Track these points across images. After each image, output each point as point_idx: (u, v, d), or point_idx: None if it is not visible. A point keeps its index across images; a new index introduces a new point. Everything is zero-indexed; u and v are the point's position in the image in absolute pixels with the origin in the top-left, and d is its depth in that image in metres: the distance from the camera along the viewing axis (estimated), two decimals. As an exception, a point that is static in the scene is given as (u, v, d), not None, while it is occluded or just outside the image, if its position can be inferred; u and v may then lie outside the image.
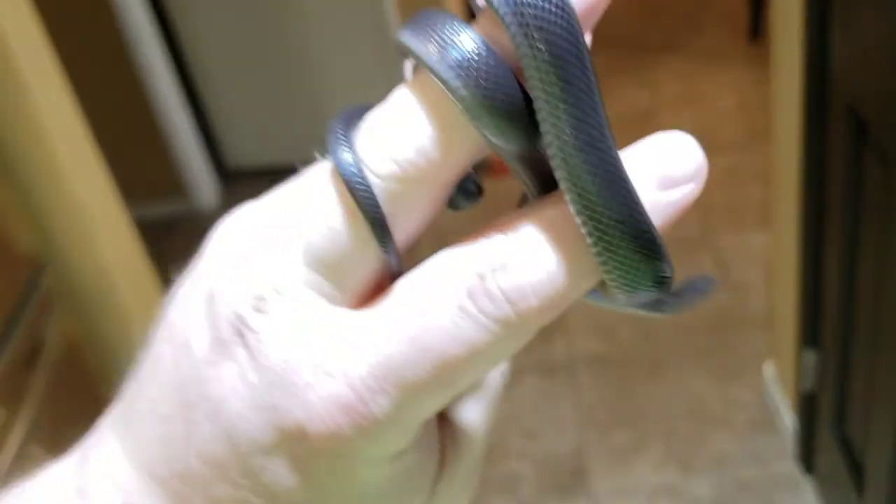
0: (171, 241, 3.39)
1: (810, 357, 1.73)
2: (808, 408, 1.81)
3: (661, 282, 0.27)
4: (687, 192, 0.26)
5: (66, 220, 1.64)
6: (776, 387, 2.02)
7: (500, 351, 0.25)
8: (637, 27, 4.26)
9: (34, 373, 1.48)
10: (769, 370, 2.06)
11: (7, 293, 1.48)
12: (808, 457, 1.87)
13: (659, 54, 3.92)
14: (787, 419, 1.94)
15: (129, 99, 3.30)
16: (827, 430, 1.70)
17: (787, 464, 1.93)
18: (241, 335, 0.25)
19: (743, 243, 2.60)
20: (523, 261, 0.24)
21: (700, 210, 2.77)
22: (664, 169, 0.26)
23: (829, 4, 1.38)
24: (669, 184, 0.26)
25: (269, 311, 0.25)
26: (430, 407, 0.25)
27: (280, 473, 0.25)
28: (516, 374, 2.29)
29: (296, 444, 0.25)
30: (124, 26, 3.19)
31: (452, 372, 0.24)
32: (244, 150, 3.70)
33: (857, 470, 1.55)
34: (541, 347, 2.37)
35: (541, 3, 0.23)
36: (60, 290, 1.64)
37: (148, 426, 0.27)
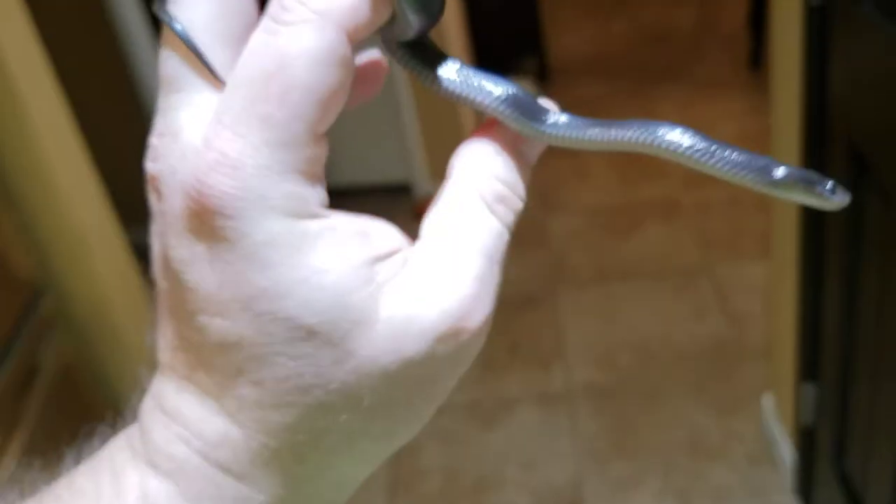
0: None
1: (809, 391, 1.72)
2: (807, 442, 1.79)
3: None
4: None
5: (64, 246, 1.63)
6: (775, 420, 2.00)
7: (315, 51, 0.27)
8: (637, 55, 4.28)
9: (30, 397, 1.48)
10: (768, 403, 2.05)
11: (5, 317, 1.48)
12: (807, 491, 1.86)
13: (659, 82, 3.94)
14: (787, 453, 1.92)
15: (131, 123, 3.30)
16: (826, 464, 1.69)
17: (786, 498, 1.92)
18: None
19: (743, 273, 2.60)
20: None
21: (700, 239, 2.77)
22: None
23: (829, 38, 1.38)
24: None
25: None
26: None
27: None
28: (513, 405, 2.28)
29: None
30: (125, 49, 3.19)
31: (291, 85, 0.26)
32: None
33: (856, 503, 1.54)
34: (539, 377, 2.36)
35: None
36: (58, 315, 1.63)
37: None
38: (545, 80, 4.10)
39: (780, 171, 0.33)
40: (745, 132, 3.38)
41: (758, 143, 3.07)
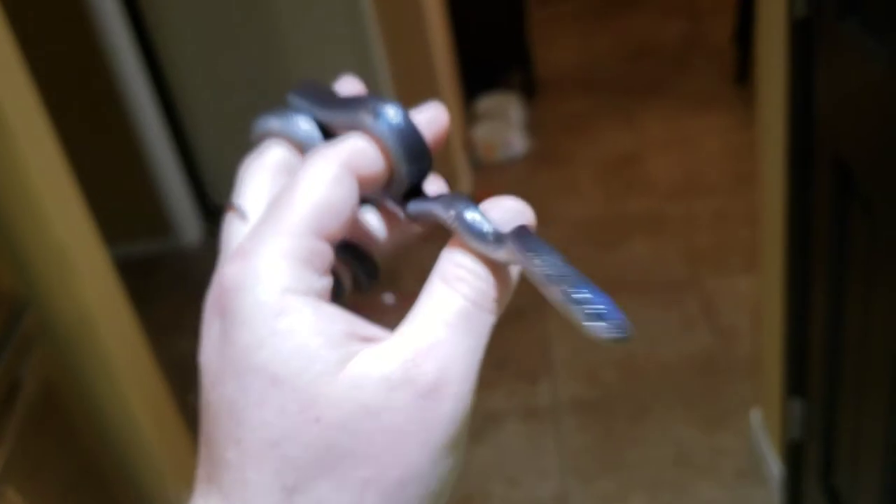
0: (156, 279, 3.37)
1: (797, 406, 1.72)
2: (795, 457, 1.79)
3: None
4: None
5: (46, 261, 1.62)
6: (763, 434, 2.00)
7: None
8: (623, 70, 4.30)
9: (10, 413, 1.46)
10: (756, 417, 2.05)
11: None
12: (795, 506, 1.85)
13: (645, 97, 3.95)
14: (775, 468, 1.92)
15: (114, 138, 3.30)
16: (814, 480, 1.68)
17: (774, 513, 1.91)
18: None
19: (730, 286, 2.59)
20: None
21: (687, 253, 2.77)
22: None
23: (813, 52, 1.38)
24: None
25: None
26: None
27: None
28: (499, 419, 2.26)
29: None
30: (110, 65, 3.18)
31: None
32: (229, 187, 3.69)
33: (844, 521, 1.53)
34: (526, 392, 2.35)
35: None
36: (40, 331, 1.62)
37: None
38: (531, 94, 4.11)
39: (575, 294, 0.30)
40: (731, 147, 3.39)
41: (743, 157, 3.08)
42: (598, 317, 0.28)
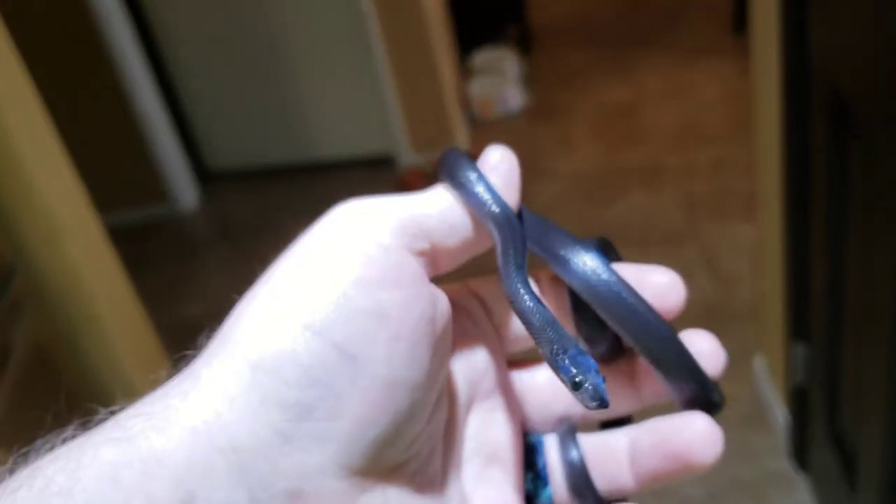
0: (154, 245, 3.35)
1: (800, 350, 1.70)
2: (799, 402, 1.77)
3: None
4: None
5: (35, 226, 1.60)
6: (766, 380, 1.98)
7: None
8: (619, 22, 4.24)
9: (1, 378, 1.45)
10: (759, 364, 2.03)
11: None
12: (800, 453, 1.84)
13: (642, 49, 3.90)
14: (779, 414, 1.90)
15: (109, 104, 3.26)
16: (819, 424, 1.66)
17: (780, 460, 1.90)
18: None
19: (730, 235, 2.57)
20: None
21: (685, 202, 2.74)
22: None
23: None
24: None
25: None
26: None
27: None
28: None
29: None
30: (102, 32, 3.14)
31: None
32: (224, 152, 3.66)
33: (849, 465, 1.52)
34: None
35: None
36: (30, 296, 1.60)
37: None
38: (527, 47, 4.06)
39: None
40: (728, 95, 3.35)
41: (741, 105, 3.03)
42: (576, 385, 0.30)
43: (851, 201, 1.35)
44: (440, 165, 0.36)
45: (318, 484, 0.27)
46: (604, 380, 0.30)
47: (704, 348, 0.36)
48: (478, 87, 3.71)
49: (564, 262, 0.35)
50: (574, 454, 0.35)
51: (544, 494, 0.37)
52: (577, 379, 0.29)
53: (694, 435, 0.35)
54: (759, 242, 1.93)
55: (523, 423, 0.38)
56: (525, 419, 0.38)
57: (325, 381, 0.27)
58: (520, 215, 0.35)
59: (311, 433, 0.27)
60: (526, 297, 0.32)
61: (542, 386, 0.38)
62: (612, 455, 0.37)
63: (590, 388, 0.29)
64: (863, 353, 1.38)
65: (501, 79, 3.74)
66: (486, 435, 0.36)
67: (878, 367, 1.29)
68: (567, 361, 0.30)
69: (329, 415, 0.27)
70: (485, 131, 3.58)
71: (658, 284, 0.36)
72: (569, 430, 0.36)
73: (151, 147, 3.37)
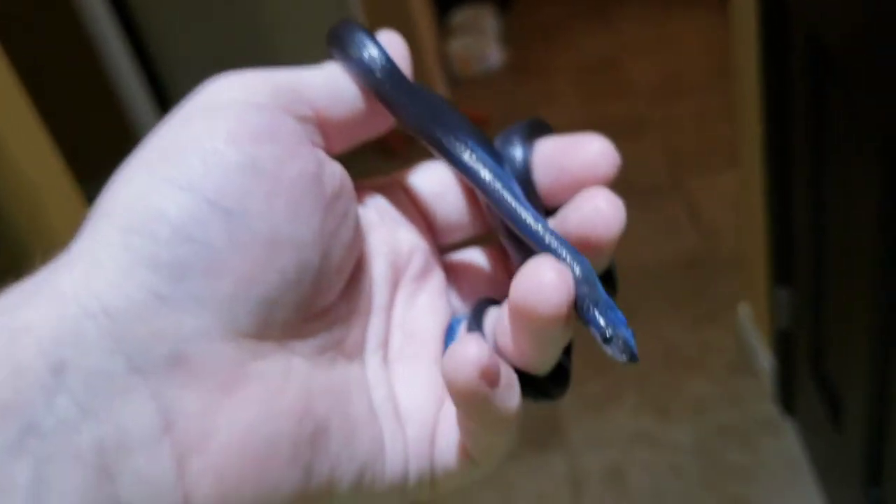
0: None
1: (784, 295, 1.70)
2: (784, 346, 1.78)
3: None
4: None
5: (14, 201, 1.59)
6: (752, 327, 1.99)
7: None
8: (598, -27, 4.20)
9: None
10: (744, 311, 2.04)
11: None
12: (787, 398, 1.85)
13: (623, 1, 3.87)
14: (765, 360, 1.91)
15: (90, 80, 3.23)
16: (805, 368, 1.67)
17: (767, 405, 1.91)
18: None
19: (713, 185, 2.57)
20: None
21: (669, 154, 2.74)
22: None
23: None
24: None
25: None
26: None
27: None
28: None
29: None
30: (81, 10, 3.10)
31: None
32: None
33: (835, 406, 1.53)
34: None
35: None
36: (11, 269, 1.59)
37: None
38: (505, 4, 4.02)
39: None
40: (710, 45, 3.33)
41: (722, 54, 3.01)
42: (607, 340, 0.29)
43: (831, 145, 1.34)
44: (329, 36, 0.34)
45: (201, 348, 0.26)
46: (633, 334, 0.29)
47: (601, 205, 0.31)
48: (457, 46, 3.69)
49: (449, 150, 0.33)
50: (475, 329, 0.34)
51: None
52: (608, 334, 0.29)
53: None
54: (741, 191, 1.93)
55: (457, 308, 0.37)
56: (458, 303, 0.37)
57: (199, 237, 0.26)
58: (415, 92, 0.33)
59: (189, 293, 0.26)
60: (538, 223, 0.31)
61: (475, 269, 0.37)
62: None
63: (620, 342, 0.29)
64: (846, 295, 1.39)
65: (481, 36, 3.71)
66: (408, 315, 0.35)
67: (861, 308, 1.30)
68: (597, 313, 0.29)
69: (207, 273, 0.26)
70: (466, 89, 3.56)
71: (588, 153, 0.33)
72: (479, 308, 0.35)
73: (131, 120, 3.35)
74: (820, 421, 1.63)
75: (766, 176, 1.63)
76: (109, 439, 0.24)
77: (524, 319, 0.29)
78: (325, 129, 0.32)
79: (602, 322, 0.29)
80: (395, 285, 0.35)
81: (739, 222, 2.09)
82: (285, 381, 0.28)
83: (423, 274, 0.36)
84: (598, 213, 0.31)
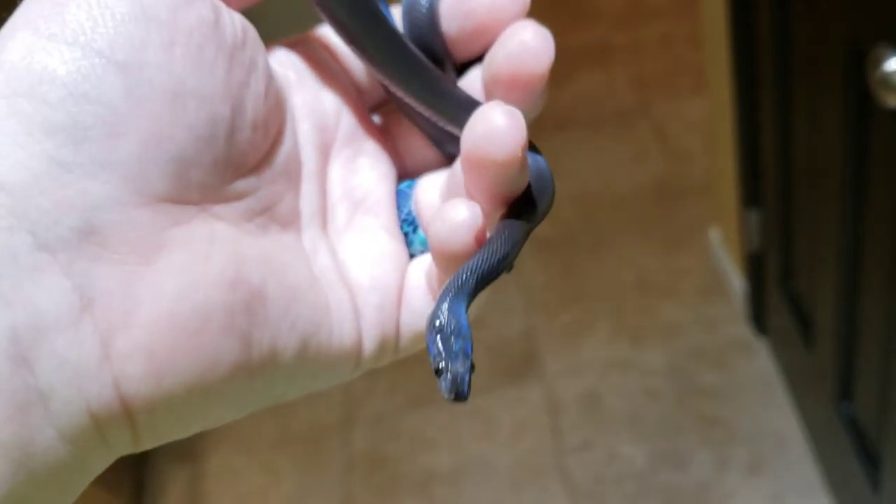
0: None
1: (753, 217, 1.71)
2: (755, 268, 1.79)
3: None
4: None
5: None
6: (722, 251, 2.00)
7: None
8: None
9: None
10: (714, 235, 2.05)
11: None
12: (759, 318, 1.87)
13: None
14: (736, 282, 1.93)
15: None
16: (776, 289, 1.69)
17: (739, 327, 1.93)
18: None
19: (680, 110, 2.56)
20: None
21: (636, 81, 2.72)
22: None
23: None
24: None
25: None
26: None
27: None
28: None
29: None
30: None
31: None
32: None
33: (806, 325, 1.55)
34: (485, 235, 2.33)
35: None
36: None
37: None
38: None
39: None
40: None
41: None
42: (437, 372, 0.26)
43: (796, 66, 1.34)
44: None
45: (113, 216, 0.24)
46: (471, 369, 0.26)
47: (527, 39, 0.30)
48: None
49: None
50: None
51: (416, 239, 0.34)
52: (439, 366, 0.26)
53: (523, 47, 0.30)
54: (709, 115, 1.93)
55: (400, 170, 0.35)
56: (401, 166, 0.36)
57: (94, 95, 0.24)
58: None
59: (92, 157, 0.23)
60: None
61: (415, 131, 0.35)
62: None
63: (449, 378, 0.26)
64: (814, 215, 1.40)
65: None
66: (351, 182, 0.33)
67: (829, 228, 1.31)
68: (436, 337, 0.27)
69: (109, 134, 0.24)
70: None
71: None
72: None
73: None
74: (792, 340, 1.65)
75: (734, 100, 1.63)
76: (21, 324, 0.22)
77: (480, 168, 0.28)
78: None
79: (435, 350, 0.27)
80: (325, 150, 0.33)
81: (708, 147, 2.10)
82: (211, 245, 0.26)
83: (354, 137, 0.34)
84: (525, 47, 0.30)
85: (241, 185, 0.28)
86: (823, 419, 1.54)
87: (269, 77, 0.29)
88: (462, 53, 0.33)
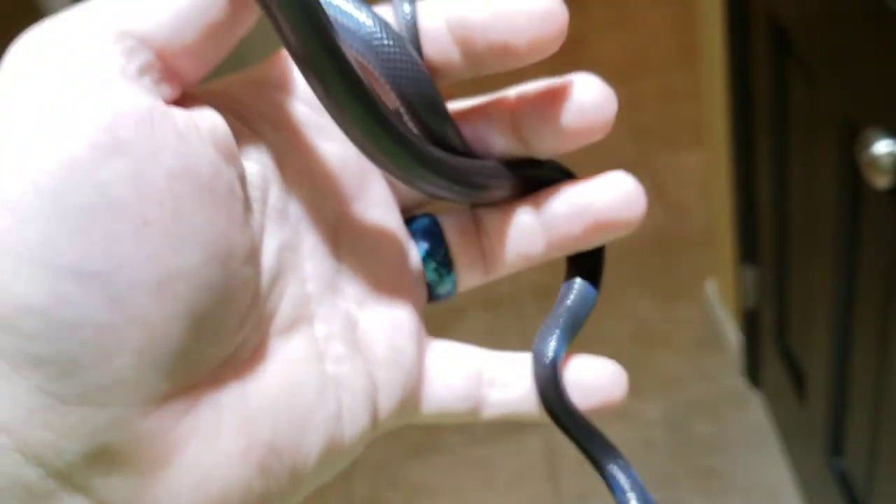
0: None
1: (750, 273, 1.74)
2: (751, 323, 1.82)
3: None
4: None
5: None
6: (719, 304, 2.03)
7: None
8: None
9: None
10: (711, 288, 2.08)
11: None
12: (754, 371, 1.90)
13: (587, -22, 3.88)
14: (732, 335, 1.96)
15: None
16: (770, 343, 1.72)
17: (735, 379, 1.96)
18: None
19: (679, 162, 2.60)
20: None
21: (635, 131, 2.77)
22: None
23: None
24: None
25: None
26: None
27: None
28: (461, 312, 2.28)
29: None
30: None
31: None
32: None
33: (799, 380, 1.57)
34: (486, 284, 2.36)
35: None
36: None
37: None
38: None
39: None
40: (675, 21, 3.36)
41: (687, 31, 3.05)
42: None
43: (793, 125, 1.38)
44: None
45: (118, 435, 0.22)
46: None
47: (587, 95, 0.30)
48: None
49: None
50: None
51: (449, 280, 0.33)
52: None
53: (617, 195, 0.32)
54: (706, 170, 1.97)
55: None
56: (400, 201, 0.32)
57: (74, 320, 0.21)
58: None
59: (86, 385, 0.21)
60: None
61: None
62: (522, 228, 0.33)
63: None
64: (808, 272, 1.43)
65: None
66: (355, 233, 0.30)
67: (823, 284, 1.34)
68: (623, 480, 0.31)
69: (100, 357, 0.21)
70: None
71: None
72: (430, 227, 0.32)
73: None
74: (785, 394, 1.67)
75: (731, 157, 1.67)
76: None
77: (607, 229, 0.31)
78: (174, 63, 0.23)
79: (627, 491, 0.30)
80: (319, 218, 0.29)
81: (705, 200, 2.13)
82: (219, 417, 0.24)
83: (354, 196, 0.30)
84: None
85: (242, 333, 0.25)
86: (815, 472, 1.56)
87: (245, 187, 0.26)
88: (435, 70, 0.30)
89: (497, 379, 0.33)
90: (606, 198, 0.32)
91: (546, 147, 0.31)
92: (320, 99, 0.25)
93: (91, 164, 0.20)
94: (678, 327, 2.12)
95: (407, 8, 0.28)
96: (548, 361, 0.32)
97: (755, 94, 1.52)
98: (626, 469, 0.31)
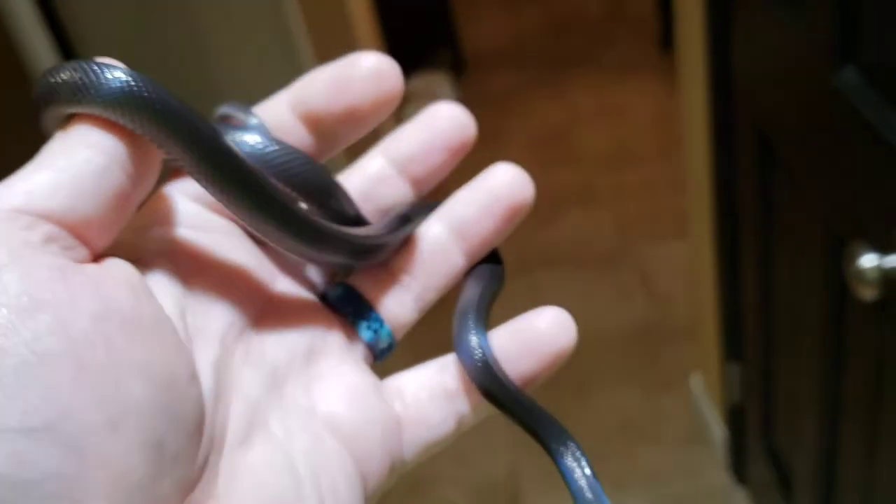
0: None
1: (734, 370, 1.74)
2: (736, 419, 1.82)
3: None
4: None
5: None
6: (704, 399, 2.03)
7: None
8: (549, 43, 4.30)
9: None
10: (697, 382, 2.07)
11: None
12: (739, 467, 1.89)
13: (572, 69, 3.95)
14: (717, 430, 1.95)
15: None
16: (756, 440, 1.71)
17: (720, 475, 1.94)
18: None
19: (664, 254, 2.62)
20: None
21: (619, 223, 2.79)
22: None
23: (731, 18, 1.39)
24: None
25: None
26: None
27: None
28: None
29: None
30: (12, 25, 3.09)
31: None
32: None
33: (785, 478, 1.56)
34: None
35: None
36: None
37: None
38: (460, 71, 4.09)
39: None
40: (659, 113, 3.42)
41: (671, 123, 3.10)
42: None
43: (777, 224, 1.39)
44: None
45: None
46: None
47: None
48: (412, 111, 3.71)
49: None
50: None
51: (384, 332, 0.35)
52: None
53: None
54: (691, 263, 1.98)
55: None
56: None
57: (35, 475, 0.21)
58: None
59: None
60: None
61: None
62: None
63: None
64: (794, 374, 1.43)
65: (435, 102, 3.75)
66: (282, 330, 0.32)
67: (809, 387, 1.34)
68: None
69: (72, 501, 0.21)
70: (420, 156, 3.59)
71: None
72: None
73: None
74: (771, 491, 1.66)
75: (716, 249, 1.68)
76: None
77: (516, 214, 0.36)
78: (80, 232, 0.25)
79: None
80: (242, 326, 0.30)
81: (690, 293, 2.14)
82: None
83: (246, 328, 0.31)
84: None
85: (203, 452, 0.26)
86: (803, 574, 1.54)
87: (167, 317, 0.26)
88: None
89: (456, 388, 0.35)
90: (504, 183, 0.36)
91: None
92: (232, 210, 0.28)
93: (14, 326, 0.21)
94: (663, 420, 2.11)
95: (254, 120, 0.32)
96: (477, 357, 0.34)
97: (739, 191, 1.54)
98: (577, 454, 0.32)
